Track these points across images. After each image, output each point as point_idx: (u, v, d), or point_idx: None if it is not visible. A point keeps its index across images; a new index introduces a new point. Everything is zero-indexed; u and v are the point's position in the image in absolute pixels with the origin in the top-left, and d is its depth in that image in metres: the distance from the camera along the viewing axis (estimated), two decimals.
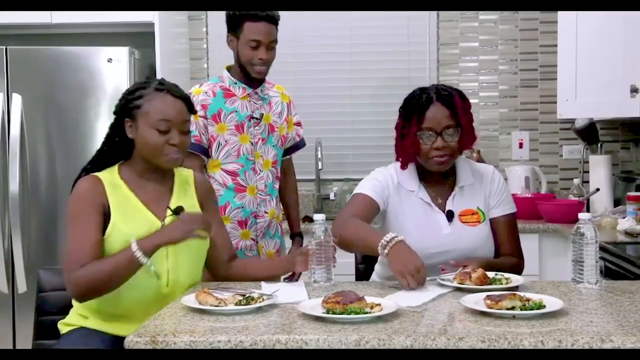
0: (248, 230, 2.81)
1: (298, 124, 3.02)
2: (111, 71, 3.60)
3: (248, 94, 2.81)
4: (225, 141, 2.76)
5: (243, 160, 2.79)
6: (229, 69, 2.85)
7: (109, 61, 3.61)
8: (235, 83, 2.81)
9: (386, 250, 2.07)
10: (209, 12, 4.37)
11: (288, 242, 3.10)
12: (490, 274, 2.08)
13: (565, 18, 3.78)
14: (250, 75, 2.77)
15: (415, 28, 4.32)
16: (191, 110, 2.18)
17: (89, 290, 1.99)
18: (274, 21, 2.75)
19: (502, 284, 2.03)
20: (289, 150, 3.02)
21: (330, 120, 4.35)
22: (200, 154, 2.75)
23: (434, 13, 4.30)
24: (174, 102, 2.12)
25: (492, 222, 2.38)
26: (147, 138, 2.10)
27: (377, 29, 4.33)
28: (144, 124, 2.10)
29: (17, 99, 3.59)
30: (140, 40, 3.87)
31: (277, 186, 2.91)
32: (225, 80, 2.82)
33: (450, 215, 2.32)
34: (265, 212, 2.84)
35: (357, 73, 4.35)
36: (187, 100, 2.17)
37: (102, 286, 1.99)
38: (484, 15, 4.29)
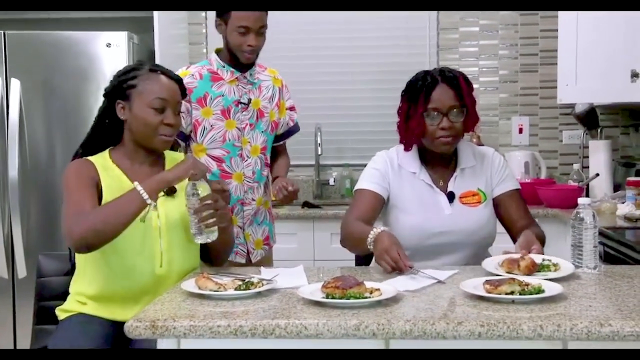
0: (234, 217, 2.72)
1: (291, 108, 2.94)
2: (110, 56, 3.59)
3: (236, 78, 2.74)
4: (211, 126, 2.70)
5: (229, 146, 2.72)
6: (217, 51, 2.79)
7: (107, 46, 3.60)
8: (224, 66, 2.74)
9: (371, 247, 2.12)
10: None
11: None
12: (538, 259, 2.03)
13: None
14: (239, 60, 2.71)
15: (415, 13, 4.30)
16: (183, 93, 2.21)
17: (92, 235, 1.94)
18: None
19: (550, 270, 1.98)
20: (283, 136, 2.94)
21: (329, 105, 4.34)
22: (179, 139, 2.67)
23: None
24: (168, 82, 2.15)
25: (499, 200, 2.39)
26: (143, 117, 2.11)
27: (376, 14, 4.30)
28: (139, 103, 2.11)
29: (15, 84, 3.58)
30: (139, 25, 3.85)
31: (265, 173, 2.83)
32: (214, 63, 2.75)
33: (451, 197, 2.34)
34: (253, 200, 2.78)
35: (356, 58, 4.33)
36: (180, 82, 2.20)
37: (105, 229, 1.95)
38: None
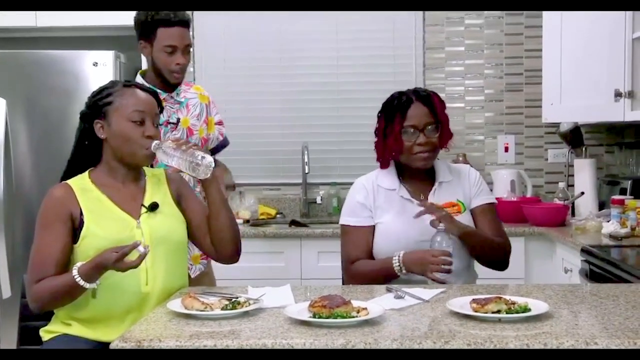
0: None
1: (220, 123, 2.99)
2: (97, 75, 3.58)
3: (163, 99, 2.74)
4: None
5: (162, 165, 2.72)
6: (142, 74, 2.82)
7: (94, 65, 3.59)
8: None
9: (404, 270, 2.27)
10: (195, 15, 4.36)
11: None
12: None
13: (550, 22, 3.80)
14: (166, 81, 2.75)
15: (401, 32, 4.33)
16: (160, 105, 2.21)
17: (43, 306, 2.07)
18: (187, 25, 2.74)
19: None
20: (214, 151, 2.99)
21: (316, 124, 4.35)
22: None
23: (420, 17, 4.31)
24: (144, 94, 2.16)
25: (473, 212, 2.47)
26: (123, 132, 2.10)
27: (363, 32, 4.34)
28: (118, 118, 2.11)
29: (1, 103, 3.56)
30: (126, 44, 3.85)
31: (199, 189, 2.81)
32: None
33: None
34: None
35: (343, 77, 4.35)
36: (155, 95, 2.20)
37: (54, 304, 2.07)
38: (470, 20, 4.30)
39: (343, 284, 2.63)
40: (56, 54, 3.66)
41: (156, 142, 2.11)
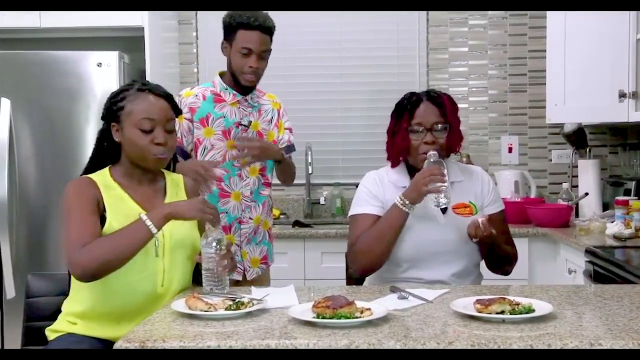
0: (232, 235, 2.80)
1: (289, 129, 3.01)
2: (101, 75, 3.58)
3: (238, 101, 2.81)
4: (212, 145, 2.76)
5: (228, 166, 2.78)
6: (221, 74, 2.86)
7: (98, 65, 3.60)
8: (226, 89, 2.81)
9: (409, 204, 2.25)
10: (198, 17, 4.37)
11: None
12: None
13: (554, 23, 3.80)
14: (241, 83, 2.78)
15: (405, 33, 4.34)
16: (176, 109, 2.18)
17: (98, 266, 1.94)
18: (269, 31, 2.76)
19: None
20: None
21: (320, 125, 4.36)
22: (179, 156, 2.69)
23: (424, 18, 4.32)
24: (156, 100, 2.13)
25: None
26: (131, 139, 2.10)
27: (366, 33, 4.34)
28: (128, 125, 2.10)
29: (5, 104, 3.57)
30: (130, 45, 3.86)
31: (265, 192, 2.89)
32: (217, 85, 2.83)
33: (443, 208, 2.36)
34: (250, 219, 2.84)
35: (347, 78, 4.36)
36: (169, 99, 2.17)
37: (111, 260, 1.95)
38: (474, 21, 4.30)
39: (347, 283, 2.63)
40: (60, 54, 3.66)
41: (219, 231, 2.05)
